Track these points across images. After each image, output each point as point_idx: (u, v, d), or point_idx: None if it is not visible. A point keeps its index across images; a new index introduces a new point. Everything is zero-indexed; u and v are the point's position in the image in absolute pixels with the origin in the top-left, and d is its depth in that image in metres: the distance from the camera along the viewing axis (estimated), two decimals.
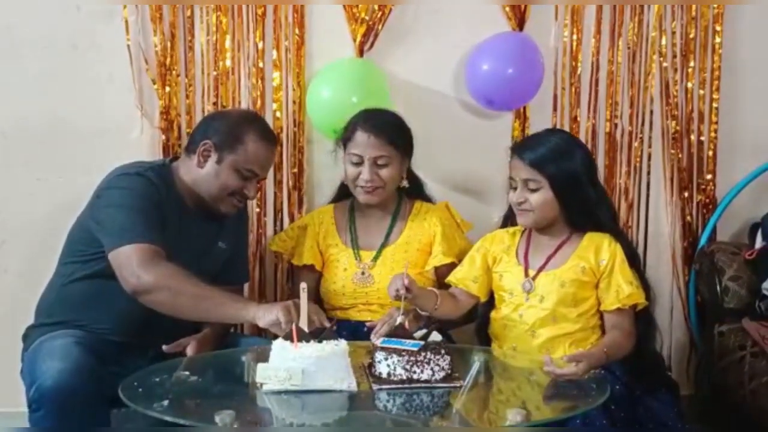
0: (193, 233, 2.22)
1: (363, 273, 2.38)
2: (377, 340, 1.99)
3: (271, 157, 2.30)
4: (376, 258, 2.39)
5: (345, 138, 2.37)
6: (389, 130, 2.35)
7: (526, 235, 2.21)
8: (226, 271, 2.34)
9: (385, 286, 2.34)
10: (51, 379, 1.93)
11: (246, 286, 2.70)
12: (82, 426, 1.93)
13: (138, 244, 2.03)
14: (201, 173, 2.21)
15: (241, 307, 2.02)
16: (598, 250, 2.11)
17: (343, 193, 2.50)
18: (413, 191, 2.48)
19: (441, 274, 2.39)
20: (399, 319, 2.01)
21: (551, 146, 2.11)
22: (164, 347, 2.10)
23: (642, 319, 2.14)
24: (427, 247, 2.41)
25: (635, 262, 2.16)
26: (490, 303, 2.24)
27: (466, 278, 2.23)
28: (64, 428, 1.92)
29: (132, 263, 2.02)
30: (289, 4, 2.63)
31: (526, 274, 2.15)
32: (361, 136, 2.33)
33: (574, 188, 2.10)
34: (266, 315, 1.95)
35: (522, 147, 2.16)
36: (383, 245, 2.41)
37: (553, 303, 2.10)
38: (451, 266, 2.35)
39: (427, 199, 2.51)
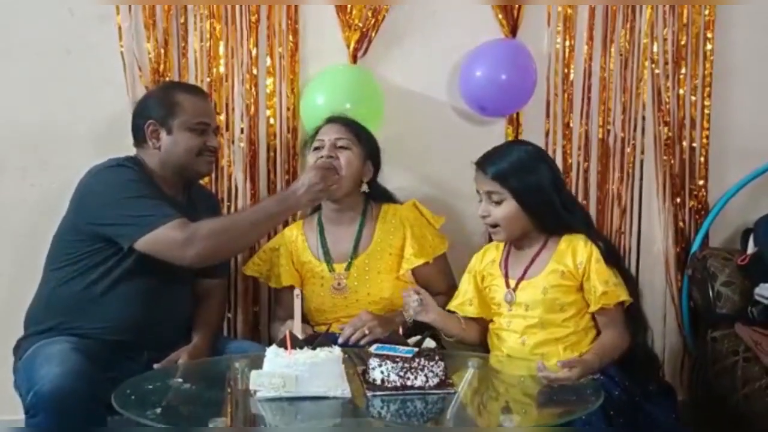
0: None
1: (339, 284, 2.38)
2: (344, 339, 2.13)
3: (207, 104, 2.36)
4: (348, 267, 2.39)
5: (312, 138, 2.43)
6: (354, 124, 2.42)
7: (507, 246, 2.23)
8: (207, 266, 2.31)
9: (362, 296, 2.37)
10: (49, 383, 1.92)
11: (239, 292, 2.71)
12: (79, 430, 1.92)
13: (166, 224, 2.07)
14: (162, 153, 2.25)
15: (288, 206, 2.18)
16: (574, 252, 2.12)
17: (314, 209, 2.50)
18: (379, 195, 2.48)
19: (419, 274, 2.40)
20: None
21: (512, 159, 2.14)
22: (155, 366, 2.10)
23: (629, 314, 2.14)
24: (400, 251, 2.40)
25: (613, 259, 2.15)
26: None
27: (462, 304, 2.24)
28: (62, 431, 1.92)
29: (176, 242, 2.06)
30: (283, 5, 2.63)
31: (507, 285, 2.16)
32: (324, 128, 2.41)
33: (539, 198, 2.12)
34: (307, 189, 2.14)
35: (484, 160, 2.19)
36: (354, 254, 2.40)
37: (539, 311, 2.11)
38: (424, 265, 2.37)
39: (395, 202, 2.50)
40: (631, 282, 2.17)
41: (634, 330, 2.14)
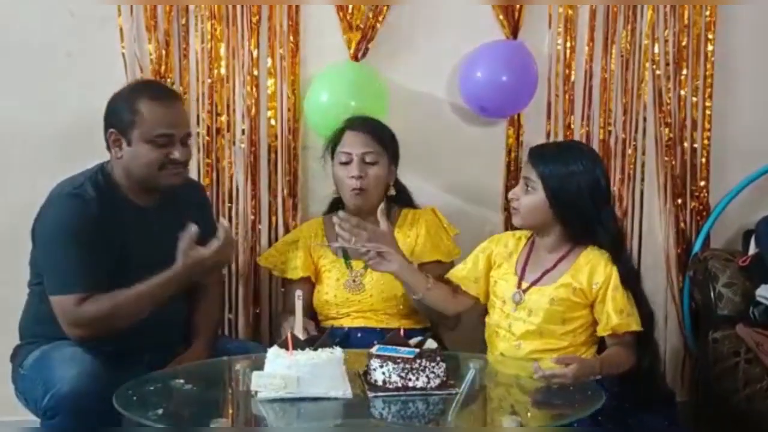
0: (153, 230, 2.15)
1: (354, 281, 2.38)
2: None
3: (174, 112, 2.16)
4: (366, 266, 2.39)
5: (334, 143, 2.40)
6: (378, 130, 2.39)
7: (528, 244, 2.19)
8: None
9: (377, 293, 2.36)
10: (68, 384, 1.93)
11: (240, 294, 2.71)
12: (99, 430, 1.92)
13: (65, 295, 2.04)
14: (123, 163, 2.14)
15: (164, 278, 2.05)
16: (593, 271, 2.08)
17: (335, 207, 2.51)
18: (401, 200, 2.49)
19: (427, 271, 2.39)
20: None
21: (561, 160, 2.08)
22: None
23: (640, 340, 2.10)
24: (413, 248, 2.40)
25: (632, 283, 2.10)
26: None
27: (467, 278, 2.22)
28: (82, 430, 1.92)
29: (65, 318, 2.05)
30: (284, 5, 2.63)
31: (519, 285, 2.14)
32: (349, 136, 2.37)
33: (573, 205, 2.07)
34: (198, 260, 2.05)
35: (536, 151, 2.17)
36: None
37: (540, 319, 2.09)
38: (437, 264, 2.37)
39: (415, 207, 2.51)
40: (646, 308, 2.11)
41: (641, 354, 2.09)
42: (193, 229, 2.05)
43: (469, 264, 2.23)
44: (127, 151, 2.13)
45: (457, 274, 2.24)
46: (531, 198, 2.09)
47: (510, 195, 2.16)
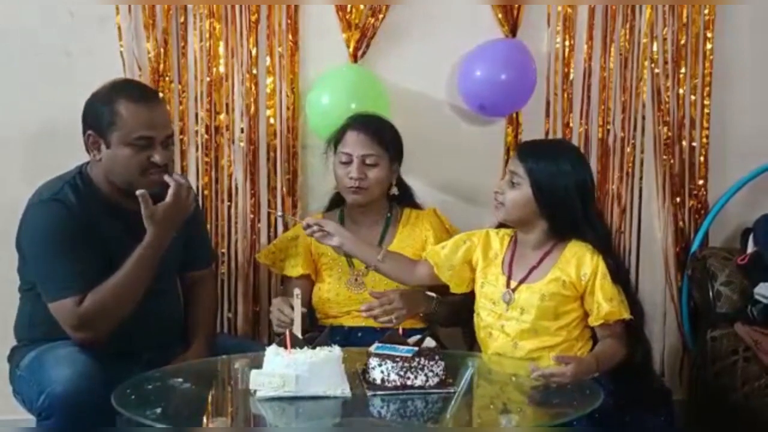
0: (138, 233, 2.09)
1: (356, 279, 2.39)
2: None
3: (154, 114, 2.09)
4: (368, 267, 2.38)
5: (336, 140, 2.40)
6: (379, 130, 2.38)
7: (512, 245, 2.18)
8: (189, 258, 2.30)
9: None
10: (62, 385, 1.92)
11: (239, 292, 2.72)
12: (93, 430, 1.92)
13: (63, 299, 2.02)
14: (102, 166, 2.10)
15: (142, 250, 2.03)
16: (579, 263, 2.09)
17: (336, 204, 2.52)
18: (403, 199, 2.49)
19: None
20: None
21: (550, 156, 2.09)
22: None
23: (631, 334, 2.10)
24: (420, 251, 2.40)
25: (620, 276, 2.11)
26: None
27: (443, 264, 2.19)
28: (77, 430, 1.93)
29: (66, 322, 2.04)
30: (283, 4, 2.63)
31: (508, 285, 2.13)
32: (351, 135, 2.36)
33: (560, 201, 2.07)
34: (162, 215, 2.02)
35: (525, 147, 2.19)
36: None
37: (533, 317, 2.09)
38: None
39: (417, 207, 2.52)
40: (636, 304, 2.12)
41: (633, 348, 2.10)
42: (139, 192, 2.02)
43: (447, 250, 2.21)
44: (106, 154, 2.08)
45: (435, 255, 2.22)
46: (516, 193, 2.09)
47: (497, 188, 2.14)
